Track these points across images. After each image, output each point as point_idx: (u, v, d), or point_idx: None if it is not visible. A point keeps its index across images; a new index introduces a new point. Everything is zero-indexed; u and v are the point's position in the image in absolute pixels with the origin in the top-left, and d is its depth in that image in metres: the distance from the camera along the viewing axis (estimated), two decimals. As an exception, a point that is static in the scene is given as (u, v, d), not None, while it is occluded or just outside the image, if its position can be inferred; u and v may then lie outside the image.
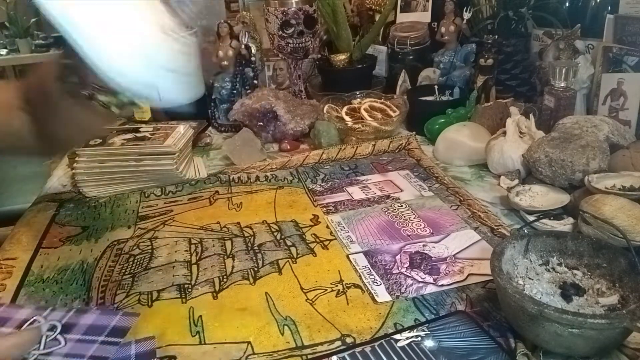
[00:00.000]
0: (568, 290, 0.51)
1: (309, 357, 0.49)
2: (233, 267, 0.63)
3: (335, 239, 0.69)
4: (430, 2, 1.28)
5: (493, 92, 1.06)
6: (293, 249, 0.67)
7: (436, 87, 1.12)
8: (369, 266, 0.62)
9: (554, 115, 0.88)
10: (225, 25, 1.10)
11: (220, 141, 1.07)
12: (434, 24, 1.25)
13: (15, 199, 1.56)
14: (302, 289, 0.59)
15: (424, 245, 0.66)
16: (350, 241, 0.68)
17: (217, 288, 0.59)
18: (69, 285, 0.62)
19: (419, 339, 0.50)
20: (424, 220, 0.72)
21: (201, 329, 0.53)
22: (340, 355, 0.48)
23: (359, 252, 0.65)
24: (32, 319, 0.53)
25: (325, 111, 1.04)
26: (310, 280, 0.60)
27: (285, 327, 0.53)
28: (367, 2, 1.41)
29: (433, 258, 0.63)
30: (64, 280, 0.63)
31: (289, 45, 1.13)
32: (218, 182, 0.88)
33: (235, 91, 1.12)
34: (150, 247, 0.69)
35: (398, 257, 0.64)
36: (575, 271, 0.54)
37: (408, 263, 0.62)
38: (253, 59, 1.16)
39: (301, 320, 0.54)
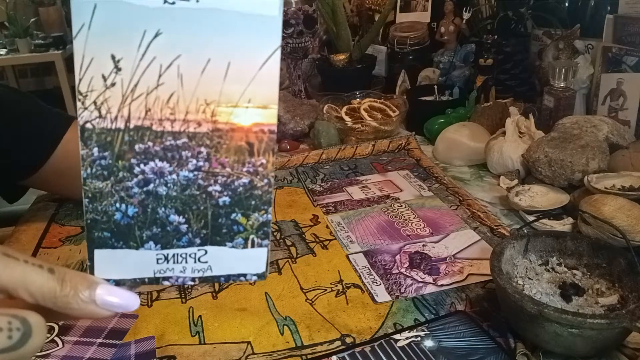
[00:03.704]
0: (567, 290, 0.51)
1: (309, 357, 0.49)
2: (233, 267, 0.63)
3: (335, 238, 0.69)
4: (430, 2, 1.28)
5: (492, 92, 1.06)
6: (293, 249, 0.67)
7: (436, 87, 1.12)
8: (369, 266, 0.62)
9: (553, 115, 0.88)
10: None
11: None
12: (434, 24, 1.25)
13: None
14: (301, 288, 0.59)
15: (423, 245, 0.66)
16: (350, 241, 0.68)
17: (216, 288, 0.59)
18: (69, 285, 0.62)
19: (419, 339, 0.50)
20: (423, 220, 0.72)
21: (201, 329, 0.53)
22: (340, 355, 0.48)
23: (359, 252, 0.65)
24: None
25: (324, 111, 1.04)
26: (310, 280, 0.60)
27: (285, 327, 0.53)
28: (367, 2, 1.41)
29: (433, 258, 0.63)
30: (63, 280, 0.63)
31: (289, 45, 1.13)
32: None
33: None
34: (149, 247, 0.69)
35: (398, 257, 0.64)
36: (574, 271, 0.54)
37: (408, 263, 0.62)
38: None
39: (301, 320, 0.54)
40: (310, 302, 0.56)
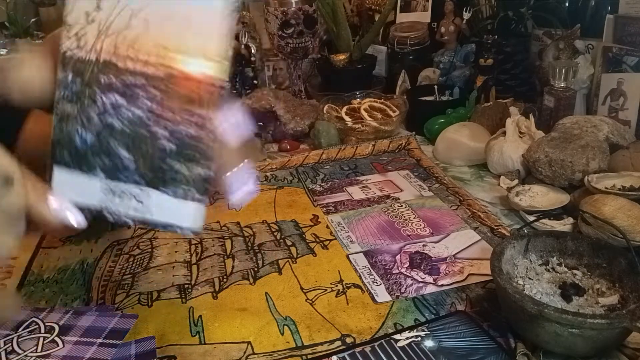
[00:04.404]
0: (568, 290, 0.51)
1: (309, 357, 0.49)
2: (233, 267, 0.63)
3: (335, 239, 0.69)
4: (430, 2, 1.28)
5: (493, 92, 1.06)
6: (293, 249, 0.67)
7: (436, 87, 1.12)
8: (369, 266, 0.62)
9: (553, 115, 0.88)
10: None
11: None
12: (434, 24, 1.25)
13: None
14: (302, 289, 0.59)
15: (423, 245, 0.66)
16: (350, 241, 0.68)
17: (217, 288, 0.59)
18: (69, 285, 0.62)
19: (419, 339, 0.50)
20: (423, 220, 0.72)
21: (201, 329, 0.53)
22: (340, 355, 0.48)
23: (359, 252, 0.65)
24: (29, 321, 0.53)
25: (325, 111, 1.04)
26: (310, 280, 0.60)
27: (285, 327, 0.53)
28: (367, 2, 1.41)
29: (433, 258, 0.63)
30: (64, 280, 0.63)
31: (289, 45, 1.14)
32: (218, 182, 0.88)
33: (235, 91, 1.12)
34: (150, 247, 0.69)
35: (398, 257, 0.64)
36: (575, 271, 0.54)
37: (408, 263, 0.62)
38: (253, 59, 1.16)
39: (301, 320, 0.54)
40: (311, 302, 0.56)
